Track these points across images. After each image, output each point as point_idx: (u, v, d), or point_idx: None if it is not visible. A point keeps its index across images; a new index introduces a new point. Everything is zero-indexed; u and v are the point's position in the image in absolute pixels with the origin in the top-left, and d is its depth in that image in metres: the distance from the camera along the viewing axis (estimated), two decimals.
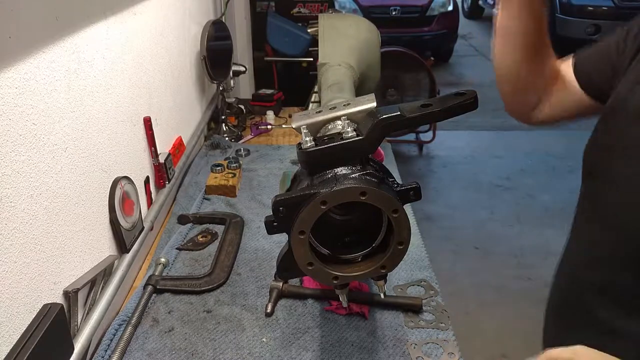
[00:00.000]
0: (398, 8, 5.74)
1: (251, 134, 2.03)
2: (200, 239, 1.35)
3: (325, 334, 1.04)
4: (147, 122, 1.30)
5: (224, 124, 2.00)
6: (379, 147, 0.83)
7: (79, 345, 0.90)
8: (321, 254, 0.71)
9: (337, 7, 3.09)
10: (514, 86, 0.88)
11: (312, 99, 2.16)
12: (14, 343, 0.74)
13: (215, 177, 1.57)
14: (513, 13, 0.81)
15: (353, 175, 0.66)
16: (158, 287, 1.15)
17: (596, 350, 0.58)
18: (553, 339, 0.88)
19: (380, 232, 0.71)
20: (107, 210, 1.07)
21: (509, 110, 0.93)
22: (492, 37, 0.86)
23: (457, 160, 4.03)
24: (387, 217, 0.67)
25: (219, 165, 1.63)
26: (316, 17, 1.54)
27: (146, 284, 1.14)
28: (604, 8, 5.55)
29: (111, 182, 1.09)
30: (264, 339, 1.03)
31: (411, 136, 4.14)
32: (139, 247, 1.18)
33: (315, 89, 2.12)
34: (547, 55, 0.86)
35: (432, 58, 3.90)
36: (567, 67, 0.86)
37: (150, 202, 1.35)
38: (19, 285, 0.77)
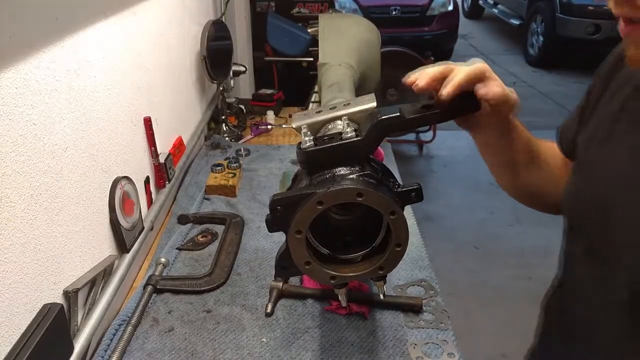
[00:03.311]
0: (398, 8, 5.73)
1: (251, 134, 2.03)
2: (200, 239, 1.35)
3: (325, 334, 1.04)
4: (147, 122, 1.31)
5: (224, 124, 2.00)
6: (379, 147, 0.83)
7: (79, 345, 0.90)
8: (320, 254, 0.71)
9: (337, 7, 3.09)
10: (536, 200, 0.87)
11: (312, 99, 2.16)
12: (14, 343, 0.75)
13: (215, 177, 1.57)
14: (482, 152, 0.81)
15: (351, 175, 0.65)
16: (158, 287, 1.15)
17: None
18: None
19: (380, 232, 0.71)
20: (107, 210, 1.07)
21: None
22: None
23: (457, 160, 4.03)
24: None
25: (219, 165, 1.63)
26: (316, 17, 1.54)
27: (146, 284, 1.14)
28: (604, 8, 5.53)
29: (111, 182, 1.09)
30: (264, 339, 1.03)
31: (411, 136, 4.14)
32: (139, 247, 1.18)
33: (315, 89, 2.12)
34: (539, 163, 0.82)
35: (432, 58, 3.90)
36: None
37: (150, 202, 1.35)
38: (19, 285, 0.77)
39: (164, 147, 1.45)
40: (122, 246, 1.12)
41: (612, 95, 0.68)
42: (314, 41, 2.30)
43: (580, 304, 0.73)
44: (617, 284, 0.64)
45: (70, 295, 0.91)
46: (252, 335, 1.04)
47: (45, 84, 0.84)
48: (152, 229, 1.30)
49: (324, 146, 0.67)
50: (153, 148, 1.34)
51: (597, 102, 0.71)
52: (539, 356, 0.88)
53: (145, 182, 1.32)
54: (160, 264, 1.22)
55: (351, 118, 0.74)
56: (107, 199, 1.07)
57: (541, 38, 6.13)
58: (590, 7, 5.57)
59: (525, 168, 0.81)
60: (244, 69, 2.14)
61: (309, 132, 0.70)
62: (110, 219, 1.08)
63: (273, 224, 0.68)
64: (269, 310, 1.09)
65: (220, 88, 1.96)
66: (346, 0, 5.70)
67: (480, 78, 0.67)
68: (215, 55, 1.80)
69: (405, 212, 0.67)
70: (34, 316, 0.80)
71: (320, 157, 0.68)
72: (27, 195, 0.79)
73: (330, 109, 0.77)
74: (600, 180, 0.66)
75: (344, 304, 0.81)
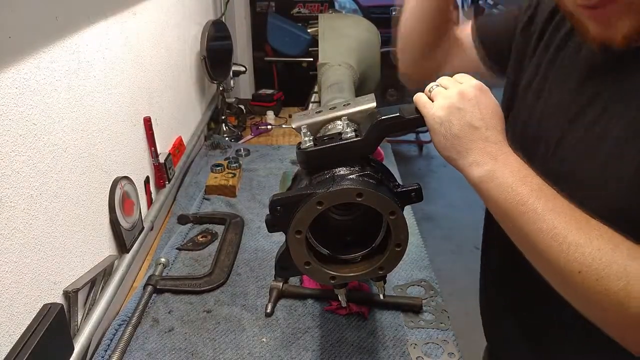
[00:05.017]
0: (398, 8, 5.73)
1: (251, 134, 2.03)
2: (200, 239, 1.35)
3: (325, 334, 1.04)
4: (147, 122, 1.31)
5: (224, 124, 2.00)
6: (379, 147, 0.83)
7: (79, 345, 0.90)
8: (320, 254, 0.71)
9: (337, 7, 3.09)
10: (418, 53, 0.96)
11: (312, 99, 2.17)
12: (14, 343, 0.75)
13: (215, 177, 1.57)
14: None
15: (351, 176, 0.66)
16: (158, 287, 1.15)
17: None
18: None
19: (380, 232, 0.71)
20: (107, 210, 1.07)
21: (405, 79, 1.01)
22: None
23: None
24: None
25: (219, 165, 1.63)
26: (316, 17, 1.54)
27: (146, 284, 1.14)
28: None
29: (111, 182, 1.09)
30: (264, 339, 1.03)
31: (411, 136, 4.14)
32: (139, 247, 1.19)
33: (315, 89, 2.12)
34: (450, 27, 0.93)
35: None
36: (466, 33, 0.92)
37: (150, 202, 1.35)
38: (19, 285, 0.77)
39: (164, 147, 1.45)
40: (122, 246, 1.12)
41: (547, 45, 0.75)
42: (314, 41, 2.30)
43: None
44: None
45: (70, 295, 0.91)
46: (252, 335, 1.04)
47: (45, 84, 0.84)
48: (152, 229, 1.30)
49: (324, 146, 0.67)
50: (153, 148, 1.34)
51: (537, 45, 0.77)
52: (481, 296, 1.00)
53: (145, 182, 1.32)
54: (160, 264, 1.22)
55: (351, 118, 0.74)
56: (107, 199, 1.07)
57: None
58: None
59: (437, 25, 0.91)
60: (244, 69, 2.14)
61: (308, 132, 0.70)
62: (110, 219, 1.08)
63: (273, 224, 0.68)
64: (269, 311, 1.09)
65: (220, 88, 1.96)
66: (346, 0, 5.70)
67: None
68: (215, 55, 1.80)
69: (405, 212, 0.67)
70: (34, 316, 0.80)
71: (320, 157, 0.68)
72: (27, 195, 0.79)
73: (330, 109, 0.77)
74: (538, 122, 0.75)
75: (344, 304, 0.81)
